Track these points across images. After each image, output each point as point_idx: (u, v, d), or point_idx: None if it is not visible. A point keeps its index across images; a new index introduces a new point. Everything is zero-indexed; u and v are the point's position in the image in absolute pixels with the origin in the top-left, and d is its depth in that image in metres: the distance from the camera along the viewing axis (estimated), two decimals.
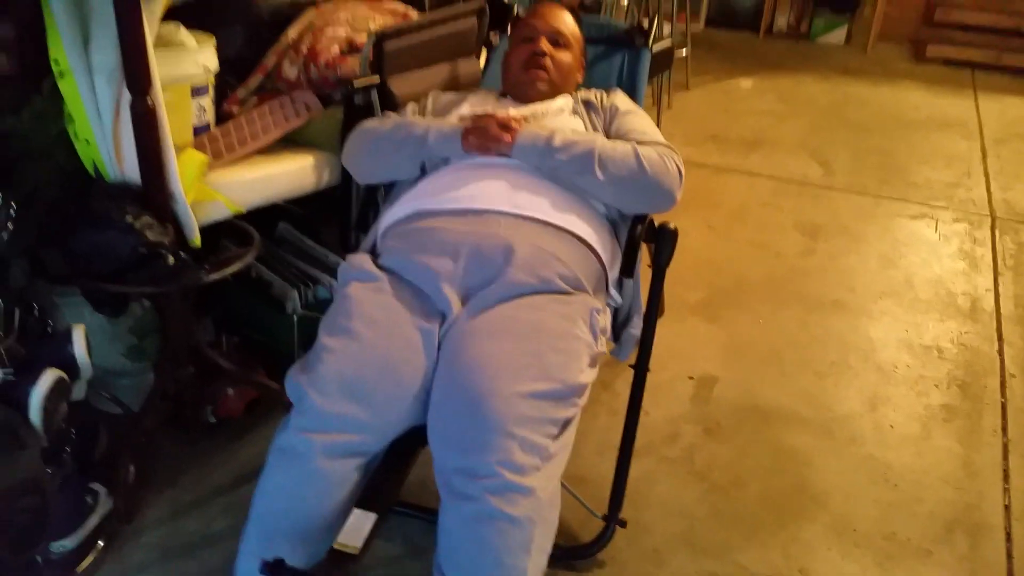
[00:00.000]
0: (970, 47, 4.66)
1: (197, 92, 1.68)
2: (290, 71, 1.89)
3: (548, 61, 1.64)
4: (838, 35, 5.14)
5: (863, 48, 5.02)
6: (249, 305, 1.96)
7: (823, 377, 2.14)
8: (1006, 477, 1.83)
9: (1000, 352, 2.26)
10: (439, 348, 1.24)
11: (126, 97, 1.45)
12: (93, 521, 1.43)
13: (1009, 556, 1.63)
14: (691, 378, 2.12)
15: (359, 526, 1.07)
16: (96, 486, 1.45)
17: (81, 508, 1.40)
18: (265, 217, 1.76)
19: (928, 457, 1.88)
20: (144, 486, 1.61)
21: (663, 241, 1.53)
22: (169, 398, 1.58)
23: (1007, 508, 1.75)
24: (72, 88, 1.46)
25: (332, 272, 2.04)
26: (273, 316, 1.92)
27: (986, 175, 3.35)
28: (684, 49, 4.18)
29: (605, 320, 1.36)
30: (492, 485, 1.06)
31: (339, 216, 1.91)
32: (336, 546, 1.06)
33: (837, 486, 1.78)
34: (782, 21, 5.30)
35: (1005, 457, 1.89)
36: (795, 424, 1.97)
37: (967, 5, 4.77)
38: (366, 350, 1.21)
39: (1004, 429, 1.98)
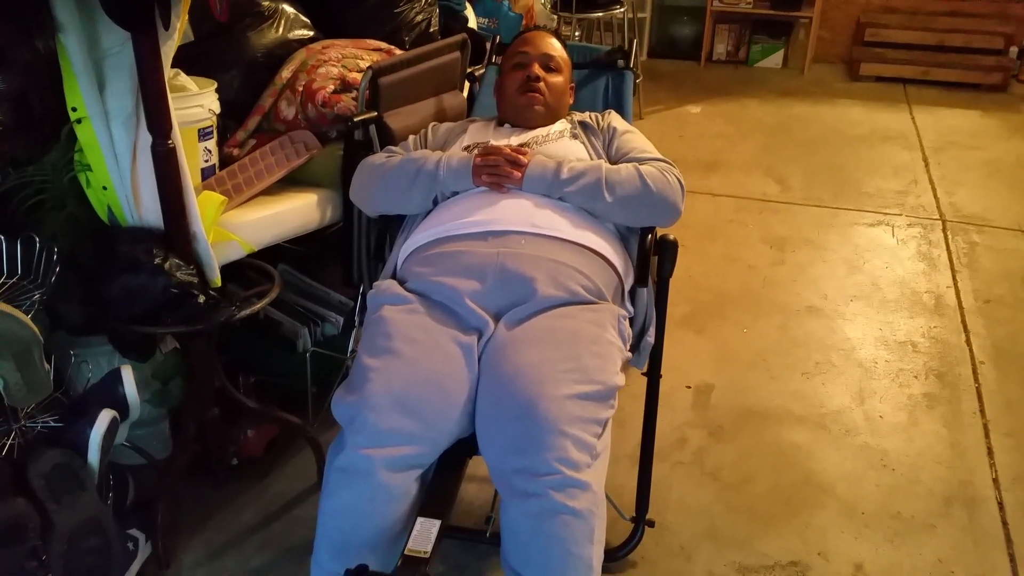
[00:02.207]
0: (900, 64, 4.94)
1: (203, 135, 1.71)
2: (287, 111, 1.94)
3: (542, 85, 1.73)
4: (775, 59, 5.39)
5: (800, 70, 5.28)
6: (259, 346, 1.98)
7: (811, 377, 2.25)
8: (990, 453, 1.96)
9: (968, 342, 2.41)
10: (479, 361, 1.30)
11: (143, 141, 1.49)
12: (135, 567, 1.42)
13: (1004, 523, 1.74)
14: (688, 387, 2.20)
15: (426, 532, 1.11)
16: (134, 532, 1.45)
17: (125, 554, 1.40)
18: (263, 259, 1.80)
19: (919, 441, 1.99)
20: (176, 531, 1.61)
21: (665, 252, 1.61)
22: (197, 440, 1.59)
23: (995, 481, 1.87)
24: (90, 134, 1.48)
25: (336, 309, 2.08)
26: (285, 355, 1.95)
27: (931, 182, 3.57)
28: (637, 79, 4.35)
29: (627, 327, 1.44)
30: (553, 481, 1.12)
31: (342, 251, 1.96)
32: (408, 552, 1.09)
33: (840, 475, 1.88)
34: (721, 49, 5.54)
35: (987, 436, 2.02)
36: (791, 422, 2.06)
37: (895, 25, 5.08)
38: (411, 366, 1.25)
39: (982, 411, 2.11)
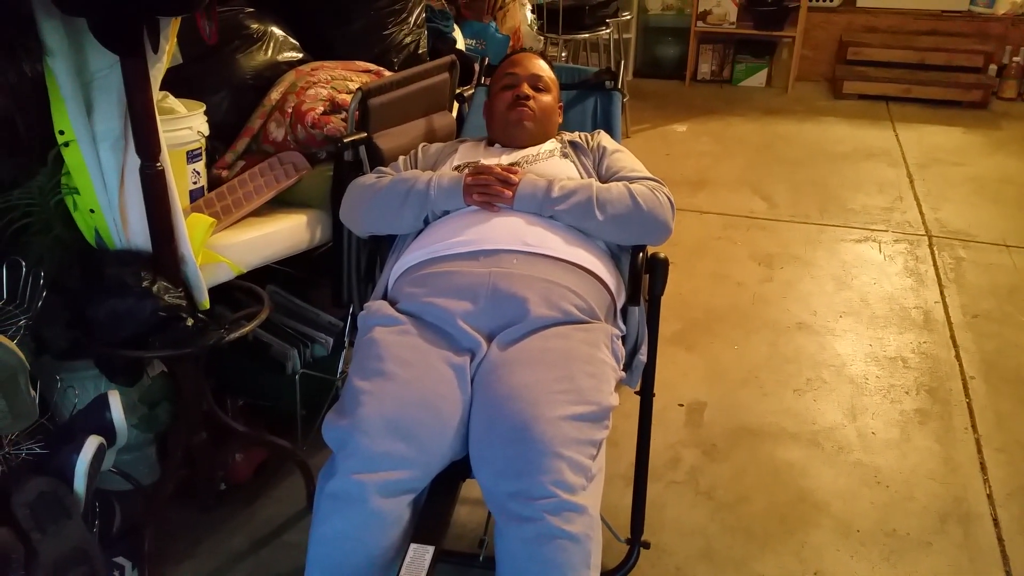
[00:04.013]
0: (882, 82, 5.00)
1: (192, 157, 1.70)
2: (277, 132, 1.93)
3: (532, 103, 1.74)
4: (759, 78, 5.45)
5: (784, 89, 5.33)
6: (248, 368, 1.95)
7: (802, 394, 2.25)
8: (983, 469, 1.96)
9: (957, 357, 2.41)
10: (472, 383, 1.29)
11: (131, 164, 1.48)
12: None
13: (1000, 540, 1.74)
14: (681, 405, 2.20)
15: (419, 559, 1.09)
16: (120, 559, 1.42)
17: None
18: (252, 280, 1.78)
19: (912, 458, 1.99)
20: (163, 558, 1.58)
21: (656, 270, 1.61)
22: (185, 465, 1.57)
23: (990, 497, 1.86)
24: (78, 157, 1.47)
25: (326, 330, 2.06)
26: (273, 377, 1.93)
27: (916, 198, 3.60)
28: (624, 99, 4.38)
29: (620, 346, 1.43)
30: (549, 505, 1.10)
31: (331, 272, 1.95)
32: None
33: (834, 492, 1.87)
34: (705, 68, 5.59)
35: (979, 451, 2.02)
36: (785, 439, 2.06)
37: (876, 44, 5.14)
38: (403, 389, 1.24)
39: (974, 426, 2.11)
